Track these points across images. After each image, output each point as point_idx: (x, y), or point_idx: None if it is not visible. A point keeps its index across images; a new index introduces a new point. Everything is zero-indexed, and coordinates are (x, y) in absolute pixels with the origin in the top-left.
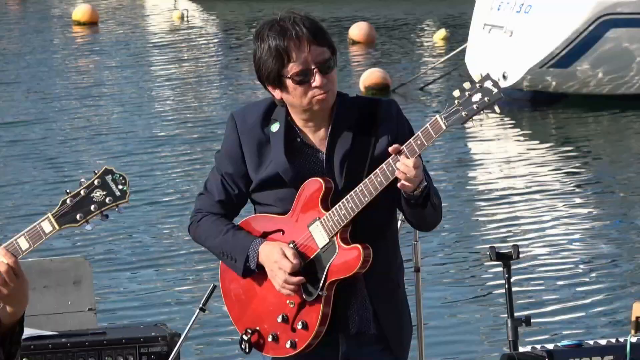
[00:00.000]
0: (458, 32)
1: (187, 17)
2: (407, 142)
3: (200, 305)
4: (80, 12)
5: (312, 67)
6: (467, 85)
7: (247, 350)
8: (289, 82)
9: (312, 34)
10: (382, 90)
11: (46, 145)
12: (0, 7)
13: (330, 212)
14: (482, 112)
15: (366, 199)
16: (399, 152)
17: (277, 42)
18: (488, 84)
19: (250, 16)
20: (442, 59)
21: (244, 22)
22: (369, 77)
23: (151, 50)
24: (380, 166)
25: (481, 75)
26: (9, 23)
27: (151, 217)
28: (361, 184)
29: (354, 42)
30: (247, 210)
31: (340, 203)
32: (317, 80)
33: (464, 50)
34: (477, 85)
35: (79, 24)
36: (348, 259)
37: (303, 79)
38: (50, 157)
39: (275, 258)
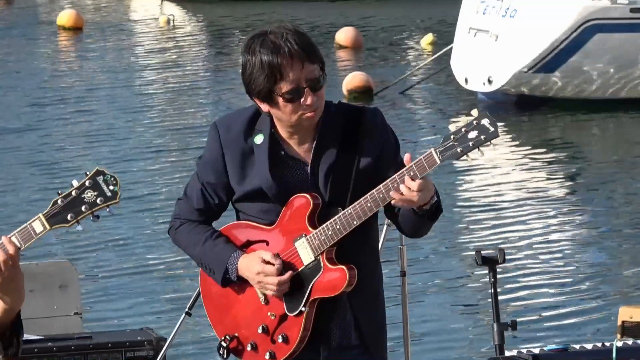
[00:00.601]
0: (445, 37)
1: (174, 22)
2: (400, 172)
3: (186, 310)
4: (65, 17)
5: (304, 85)
6: (464, 121)
7: (224, 356)
8: (279, 99)
9: (304, 52)
10: (364, 94)
11: (34, 151)
12: None
13: (317, 230)
14: (477, 149)
15: (355, 222)
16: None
17: (269, 58)
18: (485, 122)
19: (238, 21)
20: (424, 62)
21: (231, 27)
22: (352, 80)
23: (137, 56)
24: (371, 192)
25: (478, 111)
26: None
27: (137, 223)
28: (350, 207)
29: (341, 47)
30: (229, 210)
31: (328, 223)
32: (307, 99)
33: (448, 54)
34: (474, 122)
35: (64, 29)
36: (333, 279)
37: (294, 97)
38: (40, 164)
39: (257, 269)
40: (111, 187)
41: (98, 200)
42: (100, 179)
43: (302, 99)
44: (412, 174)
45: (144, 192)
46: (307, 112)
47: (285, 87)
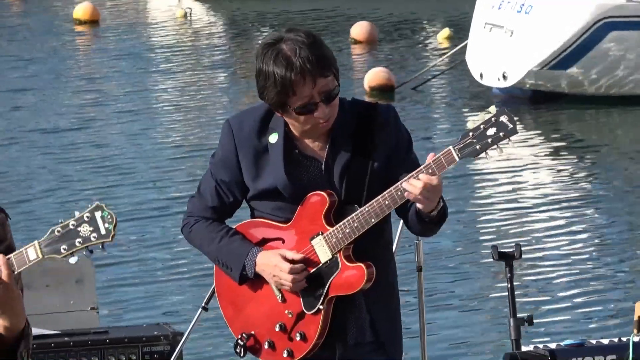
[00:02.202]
0: (463, 31)
1: (191, 15)
2: (418, 170)
3: (203, 305)
4: (81, 10)
5: (317, 100)
6: (482, 118)
7: (242, 354)
8: (292, 112)
9: (318, 67)
10: (386, 92)
11: (50, 150)
12: (2, 8)
13: (334, 228)
14: (496, 146)
15: (373, 220)
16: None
17: (281, 74)
18: (504, 119)
19: (256, 15)
20: (440, 59)
21: (250, 21)
22: (374, 77)
23: (154, 50)
24: (389, 189)
25: (496, 108)
26: (12, 24)
27: (153, 217)
28: (368, 205)
29: (356, 42)
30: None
31: (345, 221)
32: (320, 111)
33: (464, 50)
34: (493, 119)
35: (80, 22)
36: (351, 277)
37: (306, 110)
38: (58, 159)
39: (275, 262)
40: (107, 225)
41: (92, 237)
42: (98, 214)
43: (315, 112)
44: (430, 171)
45: (160, 189)
46: (321, 122)
47: (298, 102)
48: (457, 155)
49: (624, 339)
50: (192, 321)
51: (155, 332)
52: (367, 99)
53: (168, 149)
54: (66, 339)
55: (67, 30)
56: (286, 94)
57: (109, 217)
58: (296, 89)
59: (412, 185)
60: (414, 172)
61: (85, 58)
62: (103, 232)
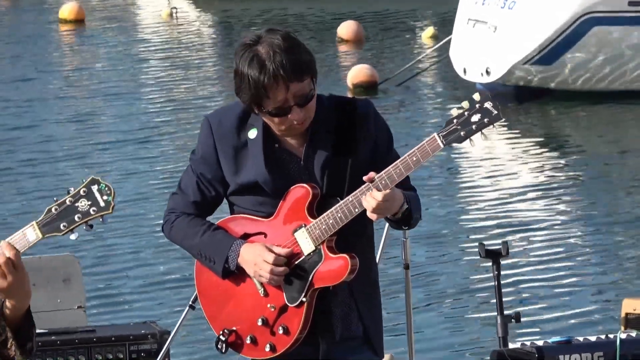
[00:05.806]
0: (447, 30)
1: (177, 14)
2: (402, 158)
3: (190, 303)
4: (67, 10)
5: (291, 104)
6: (466, 104)
7: (223, 350)
8: (266, 113)
9: (292, 73)
10: (369, 88)
11: (37, 150)
12: None
13: (317, 220)
14: (480, 132)
15: (356, 210)
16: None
17: (255, 77)
18: (488, 105)
19: (244, 13)
20: (422, 55)
21: (237, 19)
22: (357, 74)
23: (139, 50)
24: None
25: (480, 95)
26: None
27: (140, 215)
28: (351, 195)
29: (342, 40)
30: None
31: (329, 212)
32: (294, 114)
33: (448, 46)
34: (477, 105)
35: (65, 21)
36: (334, 268)
37: (280, 112)
38: (40, 164)
39: (259, 252)
40: (105, 197)
41: (91, 210)
42: (94, 188)
43: (289, 115)
44: (414, 159)
45: (147, 186)
46: (295, 124)
47: (270, 105)
48: (442, 141)
49: (611, 336)
50: (179, 319)
51: (142, 331)
52: (350, 95)
53: (154, 148)
54: (53, 337)
55: (52, 29)
56: (260, 96)
57: (106, 189)
58: (269, 92)
59: (368, 202)
60: (398, 162)
61: (68, 57)
62: (102, 204)
